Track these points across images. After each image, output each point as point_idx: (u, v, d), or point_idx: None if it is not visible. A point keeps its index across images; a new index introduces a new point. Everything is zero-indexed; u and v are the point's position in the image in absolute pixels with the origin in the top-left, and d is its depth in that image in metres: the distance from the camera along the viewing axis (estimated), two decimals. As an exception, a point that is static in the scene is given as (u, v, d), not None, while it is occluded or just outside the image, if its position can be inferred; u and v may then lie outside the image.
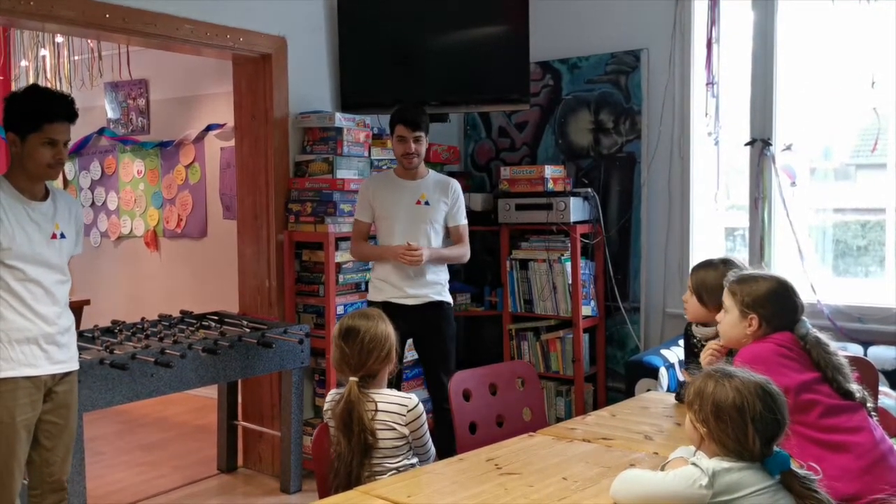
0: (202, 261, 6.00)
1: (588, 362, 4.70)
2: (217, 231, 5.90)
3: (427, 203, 3.79)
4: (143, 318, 4.19)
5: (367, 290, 4.38)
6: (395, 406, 2.38)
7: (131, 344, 3.75)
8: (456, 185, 3.91)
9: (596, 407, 4.75)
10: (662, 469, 1.99)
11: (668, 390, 3.97)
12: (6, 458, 2.66)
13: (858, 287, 4.28)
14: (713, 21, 4.42)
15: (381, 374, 2.44)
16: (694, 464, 1.79)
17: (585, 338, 4.66)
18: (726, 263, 2.65)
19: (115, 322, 4.10)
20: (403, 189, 3.81)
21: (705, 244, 4.64)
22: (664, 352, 4.13)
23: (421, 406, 2.40)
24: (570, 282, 4.58)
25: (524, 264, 4.74)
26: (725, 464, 1.76)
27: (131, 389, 3.45)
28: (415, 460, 2.42)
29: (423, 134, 3.72)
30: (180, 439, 5.14)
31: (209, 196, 5.94)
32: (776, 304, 2.31)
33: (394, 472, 2.34)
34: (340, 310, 4.23)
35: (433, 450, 2.47)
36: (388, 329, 2.45)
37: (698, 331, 2.79)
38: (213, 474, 4.46)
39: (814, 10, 4.26)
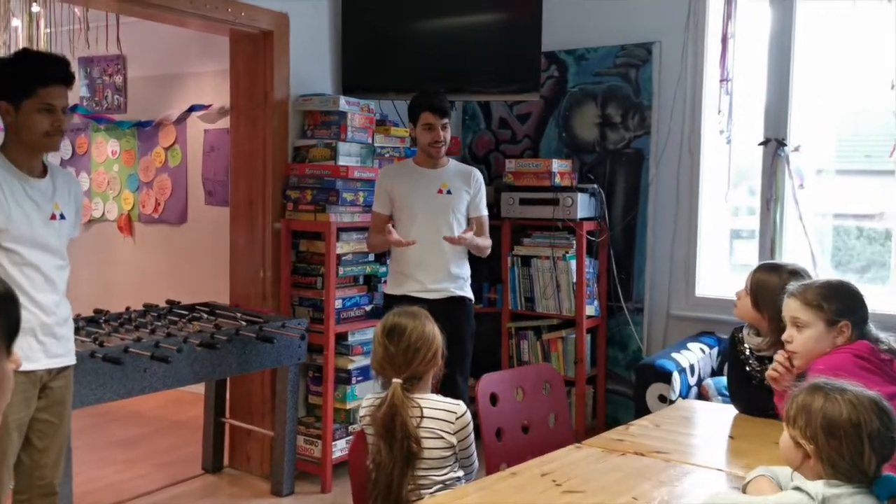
0: (181, 248, 5.72)
1: (588, 363, 4.56)
2: (198, 217, 5.63)
3: (449, 192, 3.63)
4: (128, 308, 3.93)
5: (366, 283, 4.22)
6: (443, 413, 2.19)
7: (119, 336, 3.50)
8: (478, 173, 3.76)
9: (596, 409, 4.62)
10: (744, 490, 1.84)
11: (681, 396, 3.85)
12: None
13: (866, 293, 4.20)
14: (729, 16, 4.30)
15: (427, 377, 2.25)
16: (798, 488, 1.64)
17: (587, 338, 4.52)
18: (793, 274, 2.51)
19: (98, 311, 3.83)
20: (424, 178, 3.64)
21: (713, 245, 4.54)
22: (675, 355, 3.99)
23: (469, 414, 2.22)
24: (574, 280, 4.44)
25: (526, 261, 4.58)
26: (835, 489, 1.61)
27: (123, 386, 3.20)
28: (461, 473, 2.24)
29: (449, 121, 3.57)
30: (158, 435, 4.88)
31: (191, 180, 5.66)
32: (861, 308, 2.24)
33: (440, 485, 2.15)
34: (339, 304, 4.02)
35: (477, 462, 2.30)
36: (434, 329, 2.27)
37: (751, 340, 2.64)
38: (197, 474, 4.22)
39: (834, 9, 4.17)
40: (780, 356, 2.34)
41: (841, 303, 2.22)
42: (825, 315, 2.20)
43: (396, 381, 2.19)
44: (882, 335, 2.21)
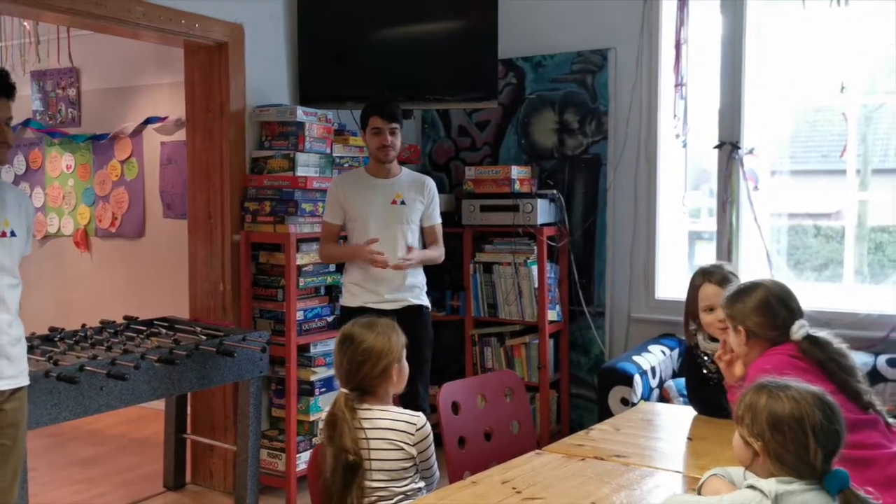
0: (139, 262, 5.65)
1: (552, 368, 4.58)
2: (156, 231, 5.56)
3: (403, 202, 3.61)
4: (84, 325, 3.86)
5: (326, 294, 4.19)
6: (403, 424, 2.17)
7: (74, 353, 3.43)
8: (431, 182, 3.74)
9: (560, 414, 4.64)
10: (699, 492, 1.86)
11: (643, 398, 3.87)
12: None
13: (820, 292, 4.27)
14: (682, 22, 4.36)
15: (379, 391, 2.23)
16: (752, 486, 1.66)
17: (550, 343, 4.53)
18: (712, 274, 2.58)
19: (53, 329, 3.76)
20: (377, 188, 3.62)
21: (672, 247, 4.58)
22: (636, 358, 4.02)
23: (429, 425, 2.21)
24: (536, 286, 4.45)
25: (488, 267, 4.59)
26: (787, 485, 1.62)
27: (79, 405, 3.14)
28: (422, 484, 2.22)
29: (398, 126, 3.55)
30: (118, 453, 4.79)
31: (148, 193, 5.59)
32: (762, 313, 2.24)
33: (401, 496, 2.14)
34: (300, 315, 4.00)
35: (438, 472, 2.29)
36: (389, 344, 2.23)
37: (707, 345, 2.66)
38: (159, 492, 4.16)
39: (784, 13, 4.24)
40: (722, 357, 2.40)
41: (730, 308, 2.28)
42: (731, 322, 2.27)
43: (342, 390, 2.18)
44: (813, 334, 2.20)
